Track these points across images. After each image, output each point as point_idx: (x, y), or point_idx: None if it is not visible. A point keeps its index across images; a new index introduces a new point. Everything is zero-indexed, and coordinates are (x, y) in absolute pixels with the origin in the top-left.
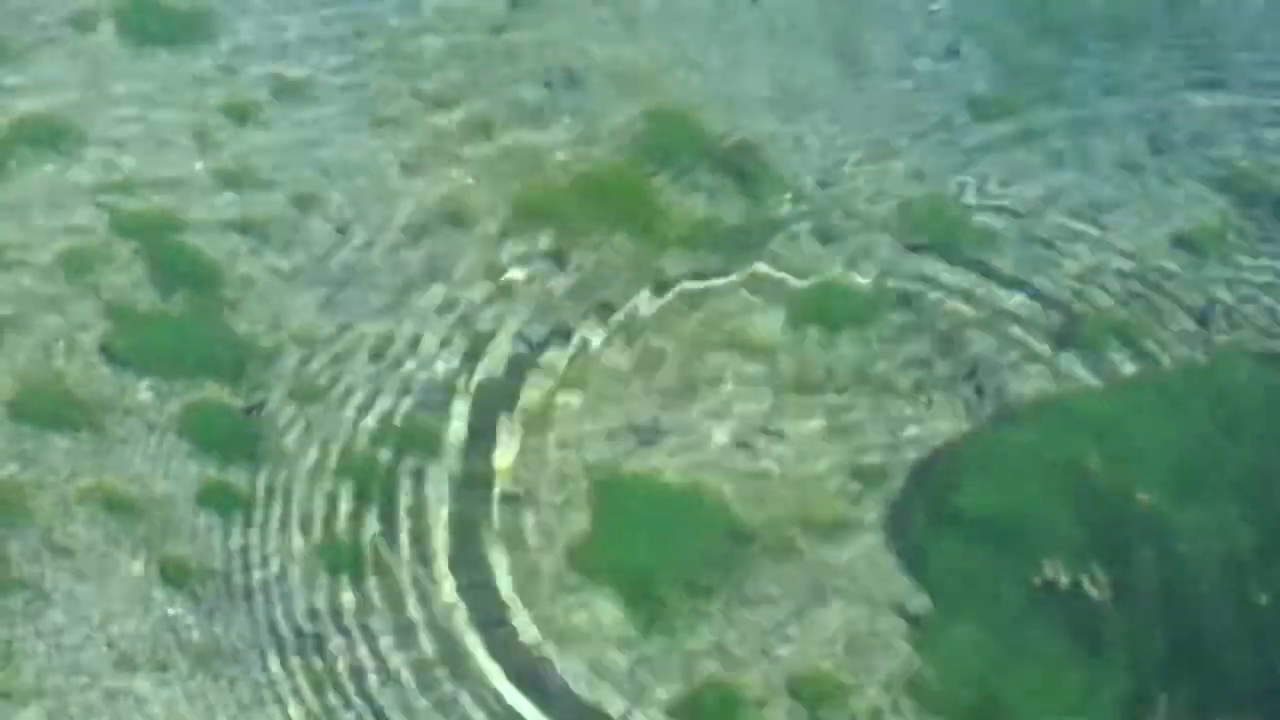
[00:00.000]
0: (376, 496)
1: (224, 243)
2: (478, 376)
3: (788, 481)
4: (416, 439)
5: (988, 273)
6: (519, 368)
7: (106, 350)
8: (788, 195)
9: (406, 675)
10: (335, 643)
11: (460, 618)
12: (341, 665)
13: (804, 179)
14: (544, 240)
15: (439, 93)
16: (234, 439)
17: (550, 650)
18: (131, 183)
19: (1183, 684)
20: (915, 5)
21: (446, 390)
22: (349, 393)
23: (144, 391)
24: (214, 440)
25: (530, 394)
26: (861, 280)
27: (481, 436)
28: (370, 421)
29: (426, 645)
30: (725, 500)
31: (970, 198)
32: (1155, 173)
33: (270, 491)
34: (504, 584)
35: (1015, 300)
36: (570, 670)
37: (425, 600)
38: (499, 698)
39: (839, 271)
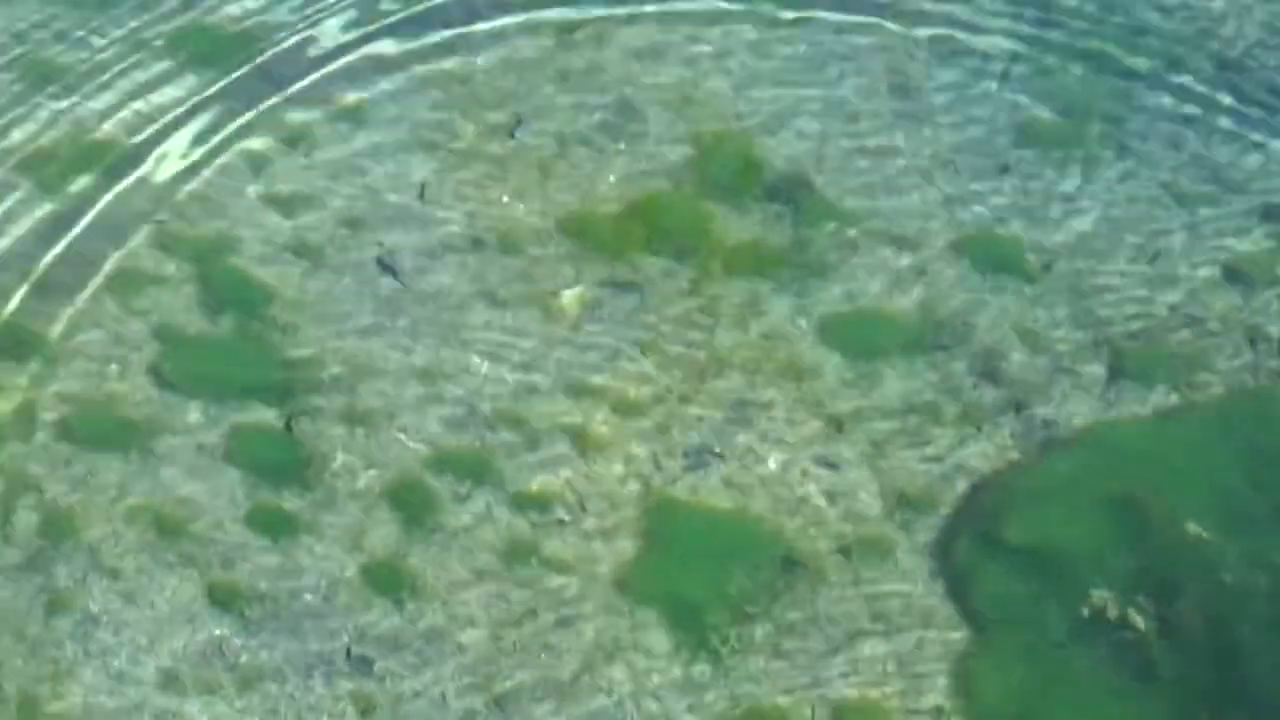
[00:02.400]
0: (427, 520)
1: (274, 265)
2: (526, 398)
3: (836, 509)
4: (465, 463)
5: (1038, 300)
6: (570, 390)
7: (156, 372)
8: (838, 223)
9: (454, 702)
10: (382, 665)
11: None
12: (390, 686)
13: (854, 206)
14: (596, 265)
15: (491, 117)
16: (282, 461)
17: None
18: (183, 205)
19: (1229, 717)
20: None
21: (495, 414)
22: (397, 415)
23: (193, 413)
24: (263, 462)
25: (577, 417)
26: (909, 307)
27: (533, 459)
28: (420, 445)
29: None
30: (774, 527)
31: (1019, 226)
32: (1205, 203)
33: (319, 513)
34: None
35: (1064, 329)
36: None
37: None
38: None
39: (888, 298)
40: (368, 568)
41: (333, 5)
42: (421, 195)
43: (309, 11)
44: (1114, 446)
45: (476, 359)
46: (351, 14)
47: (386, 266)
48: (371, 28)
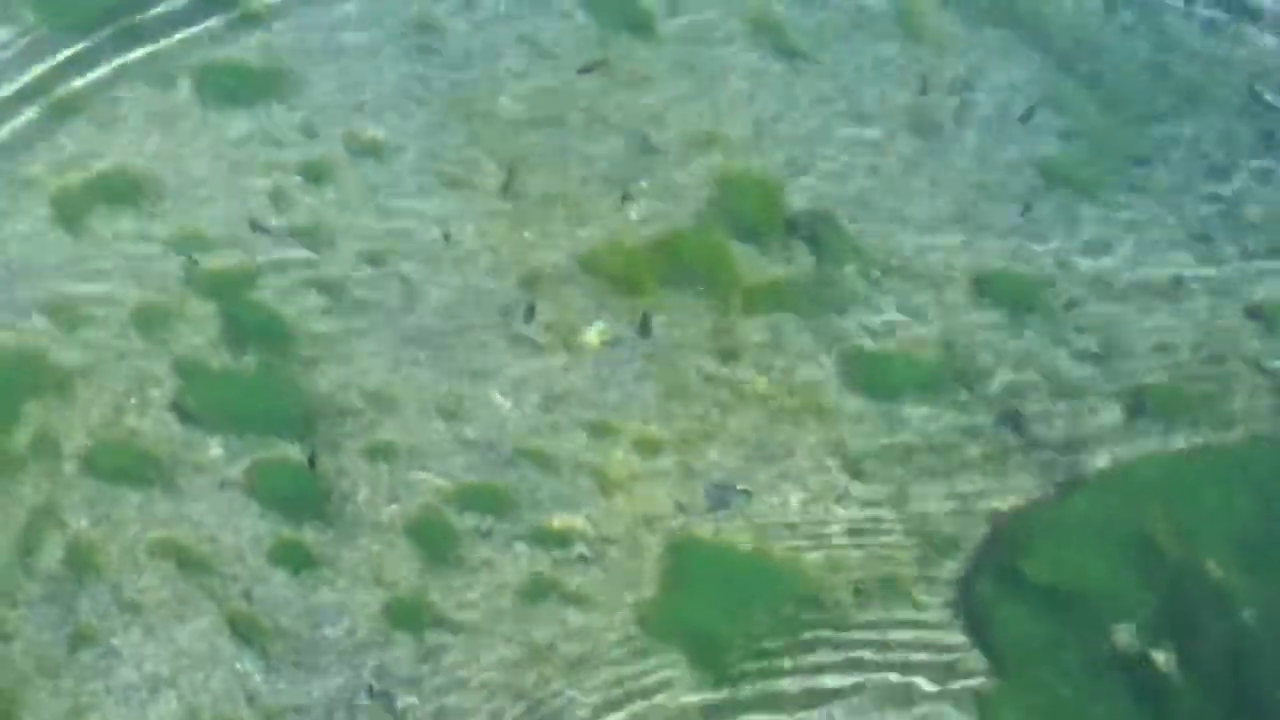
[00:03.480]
0: (449, 556)
1: (297, 301)
2: (547, 435)
3: (856, 547)
4: (487, 499)
5: (1060, 339)
6: (591, 427)
7: (178, 406)
8: (860, 261)
9: None
10: (404, 701)
11: None
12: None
13: (878, 247)
14: (619, 302)
15: (514, 154)
16: (304, 496)
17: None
18: (207, 240)
19: None
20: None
21: (517, 451)
22: (419, 451)
23: (215, 448)
24: (284, 497)
25: (599, 455)
26: (931, 346)
27: (554, 495)
28: (441, 481)
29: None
30: (795, 566)
31: (1047, 266)
32: (1228, 242)
33: (340, 548)
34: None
35: (1086, 368)
36: None
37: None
38: None
39: (910, 337)
40: (389, 603)
41: None
42: (445, 232)
43: None
44: (1135, 486)
45: (498, 395)
46: None
47: (412, 300)
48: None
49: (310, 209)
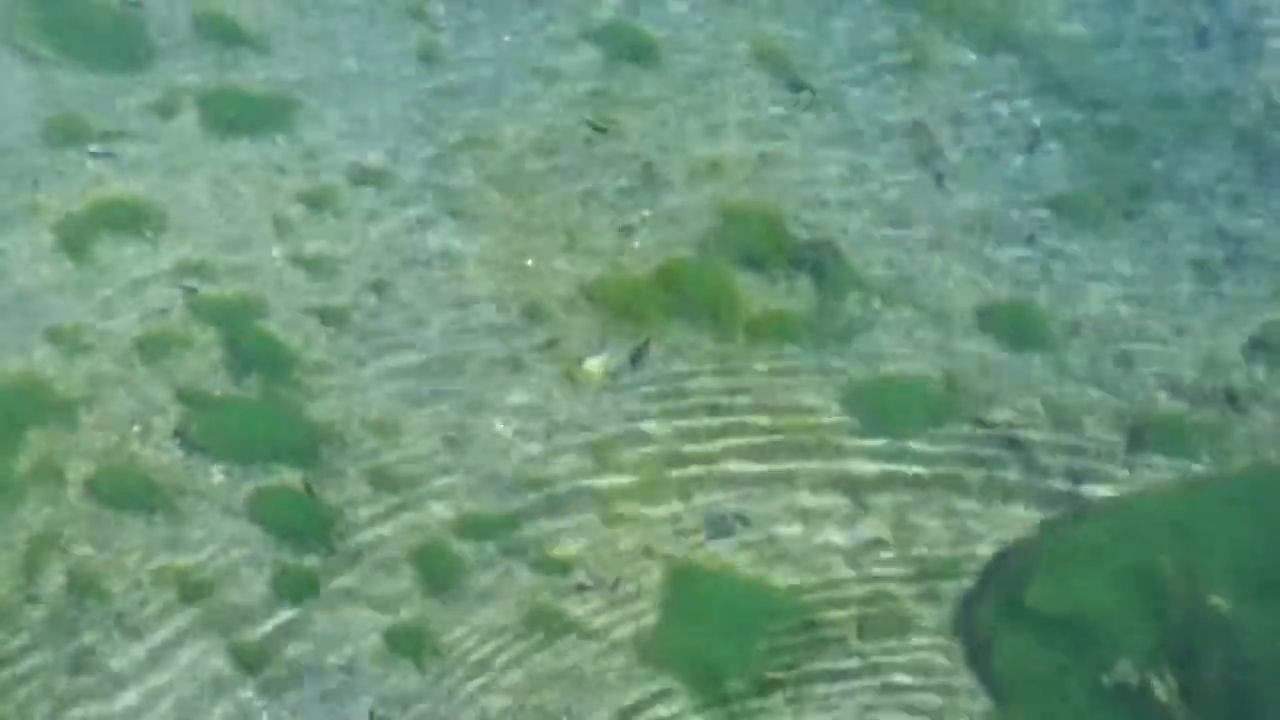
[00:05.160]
0: (451, 584)
1: (300, 329)
2: (550, 464)
3: (858, 576)
4: (489, 528)
5: (1063, 370)
6: (593, 456)
7: (181, 434)
8: (863, 292)
9: None
10: None
11: None
12: None
13: (879, 276)
14: (621, 331)
15: (516, 184)
16: (307, 524)
17: None
18: (209, 268)
19: None
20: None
21: (519, 479)
22: (421, 479)
23: (218, 475)
24: (287, 524)
25: (601, 483)
26: (933, 377)
27: (556, 524)
28: (443, 509)
29: None
30: (795, 594)
31: (1044, 295)
32: (1230, 274)
33: (342, 576)
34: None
35: (1089, 398)
36: None
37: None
38: None
39: (912, 367)
40: (391, 631)
41: None
42: (447, 260)
43: None
44: (1138, 517)
45: (500, 424)
46: None
47: (415, 328)
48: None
49: (312, 237)
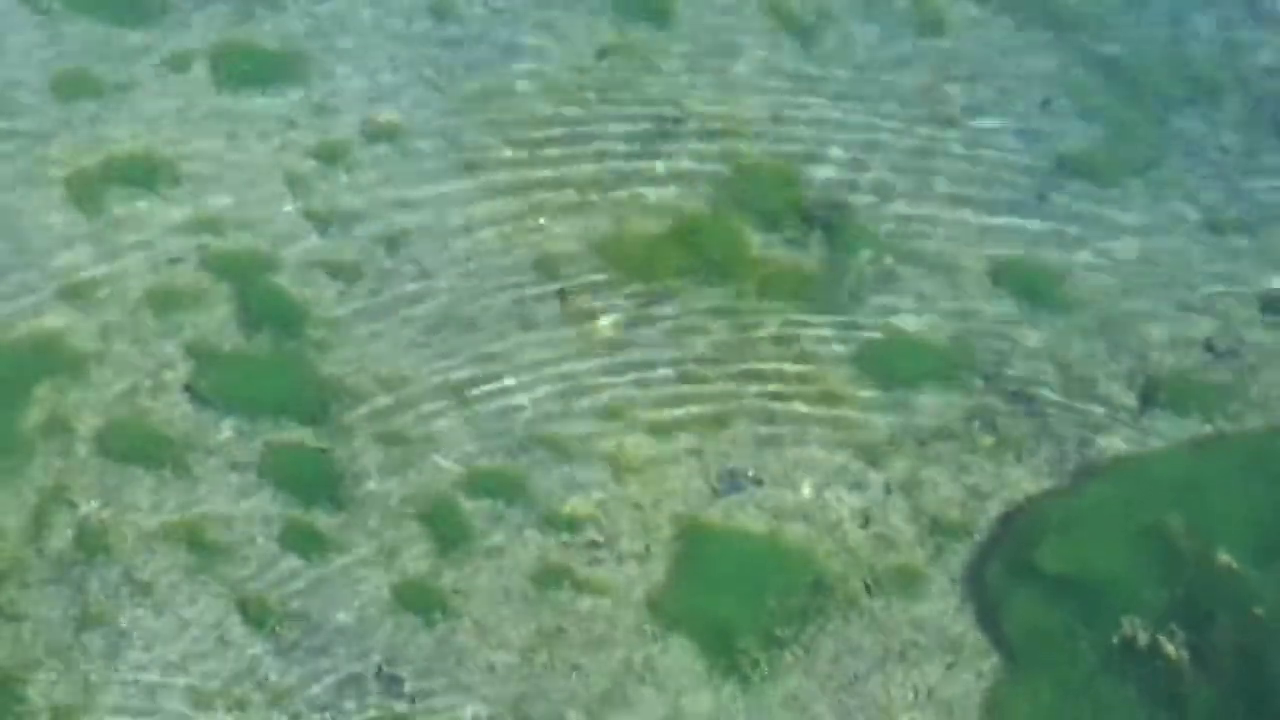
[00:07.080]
0: (460, 540)
1: (311, 284)
2: (560, 421)
3: (868, 535)
4: (499, 484)
5: (1073, 329)
6: (604, 413)
7: (191, 389)
8: (874, 249)
9: None
10: (413, 685)
11: None
12: (420, 705)
13: (891, 233)
14: (633, 287)
15: (530, 138)
16: (316, 479)
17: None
18: (221, 223)
19: None
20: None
21: (529, 436)
22: (432, 436)
23: (227, 430)
24: (296, 480)
25: (612, 441)
26: (944, 335)
27: (566, 481)
28: (453, 465)
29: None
30: (806, 552)
31: (1063, 255)
32: (1243, 232)
33: (351, 532)
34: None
35: (1099, 358)
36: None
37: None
38: None
39: (923, 325)
40: (399, 587)
41: None
42: (459, 215)
43: None
44: (1148, 477)
45: (511, 380)
46: None
47: (426, 284)
48: None
49: (324, 192)
